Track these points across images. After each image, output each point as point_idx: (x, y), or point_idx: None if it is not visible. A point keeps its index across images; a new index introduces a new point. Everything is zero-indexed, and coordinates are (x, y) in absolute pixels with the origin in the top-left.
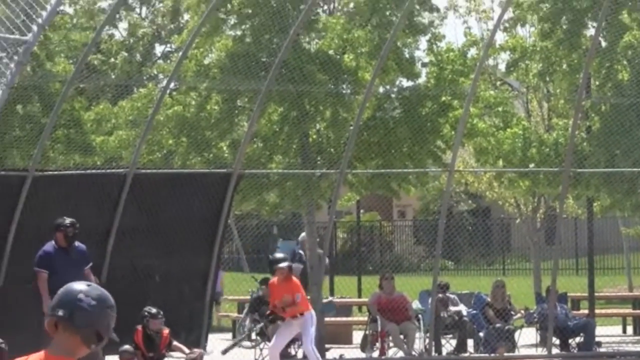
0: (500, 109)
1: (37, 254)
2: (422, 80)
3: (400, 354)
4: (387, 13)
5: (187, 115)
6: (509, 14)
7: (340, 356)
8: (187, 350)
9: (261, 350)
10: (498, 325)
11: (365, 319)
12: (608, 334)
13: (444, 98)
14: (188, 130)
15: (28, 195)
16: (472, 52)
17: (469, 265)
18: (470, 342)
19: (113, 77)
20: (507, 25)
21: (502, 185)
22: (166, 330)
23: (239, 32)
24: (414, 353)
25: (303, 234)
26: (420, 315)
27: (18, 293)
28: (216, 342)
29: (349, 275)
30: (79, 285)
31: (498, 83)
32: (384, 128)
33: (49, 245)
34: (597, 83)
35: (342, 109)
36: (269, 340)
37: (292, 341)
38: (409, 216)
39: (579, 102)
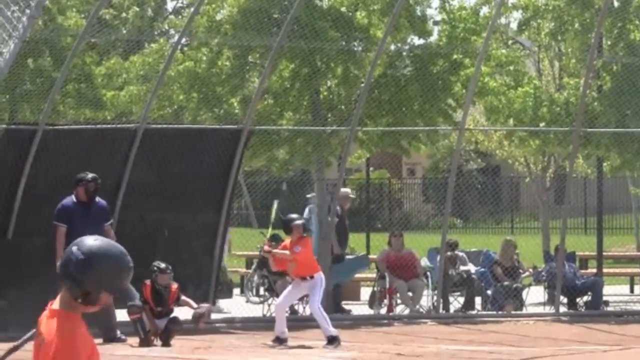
0: (511, 67)
1: (56, 207)
2: (433, 38)
3: (408, 311)
4: None
5: (198, 70)
6: None
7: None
8: (195, 305)
9: (269, 305)
10: (506, 283)
11: (374, 275)
12: (615, 293)
13: (455, 56)
14: (199, 86)
15: (38, 149)
16: (484, 10)
17: (477, 223)
18: (478, 300)
19: (124, 32)
20: None
21: (512, 144)
22: (175, 285)
23: None
24: (421, 310)
25: (313, 194)
26: (428, 273)
27: (27, 246)
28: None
29: (358, 232)
30: (81, 239)
31: (510, 42)
32: (395, 86)
33: (68, 200)
34: (609, 42)
35: (354, 66)
36: (277, 296)
37: (300, 298)
38: (419, 174)
39: (591, 62)
